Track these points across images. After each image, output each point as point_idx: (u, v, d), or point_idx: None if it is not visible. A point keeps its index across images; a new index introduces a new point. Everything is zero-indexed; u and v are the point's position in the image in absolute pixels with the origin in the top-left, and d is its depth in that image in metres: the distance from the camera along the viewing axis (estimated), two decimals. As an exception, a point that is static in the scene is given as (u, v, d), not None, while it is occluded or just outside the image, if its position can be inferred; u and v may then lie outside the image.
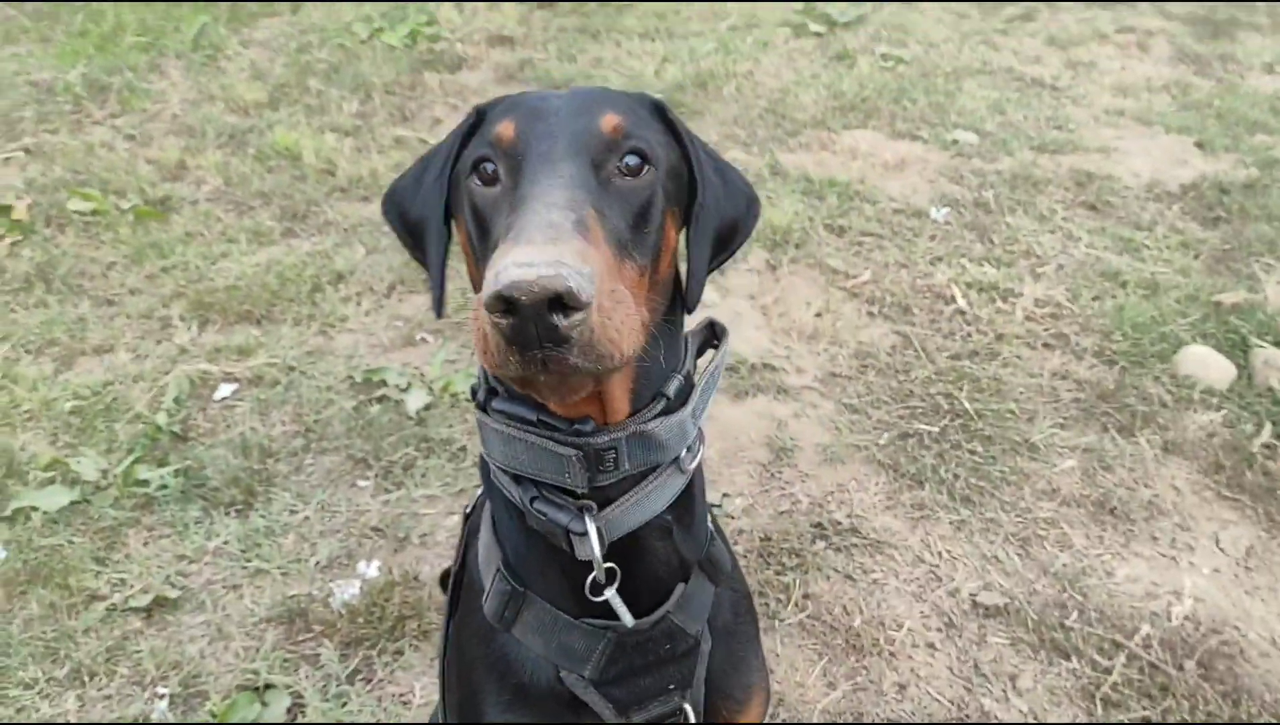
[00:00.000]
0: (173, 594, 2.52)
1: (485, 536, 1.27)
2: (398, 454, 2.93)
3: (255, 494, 2.83)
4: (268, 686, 2.28)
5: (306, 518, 2.76)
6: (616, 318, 0.89)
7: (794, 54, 6.14)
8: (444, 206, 1.20)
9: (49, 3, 7.00)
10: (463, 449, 2.95)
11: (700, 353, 1.27)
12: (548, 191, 0.98)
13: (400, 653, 2.36)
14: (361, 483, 2.87)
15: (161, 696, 2.29)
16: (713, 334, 1.28)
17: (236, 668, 2.33)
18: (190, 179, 4.63)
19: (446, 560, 2.41)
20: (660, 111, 1.21)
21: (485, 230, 1.08)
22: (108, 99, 5.38)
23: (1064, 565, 2.60)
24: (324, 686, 2.29)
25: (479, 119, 1.19)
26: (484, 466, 1.21)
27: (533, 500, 1.12)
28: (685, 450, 1.15)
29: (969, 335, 3.43)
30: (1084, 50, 6.28)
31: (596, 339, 0.87)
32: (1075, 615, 2.45)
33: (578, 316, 0.84)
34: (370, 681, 2.31)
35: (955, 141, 4.86)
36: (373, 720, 2.21)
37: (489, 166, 1.10)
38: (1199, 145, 4.97)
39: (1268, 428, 3.00)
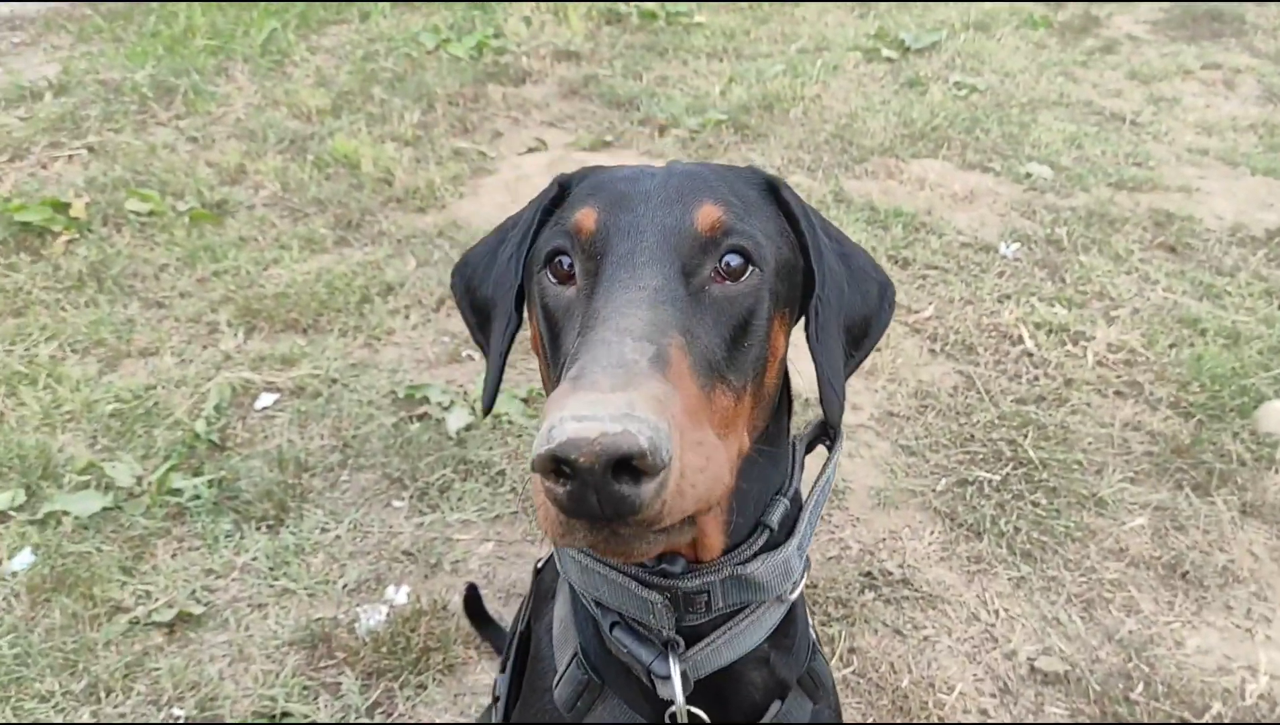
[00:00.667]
0: (197, 610, 2.46)
1: (562, 612, 1.17)
2: (435, 475, 2.85)
3: (288, 509, 2.76)
4: (284, 714, 2.20)
5: (338, 537, 2.68)
6: (700, 482, 0.76)
7: (864, 79, 6.00)
8: (517, 291, 1.07)
9: (125, 2, 7.09)
10: (501, 473, 2.86)
11: (809, 449, 1.13)
12: (624, 312, 0.84)
13: (423, 686, 2.26)
14: (396, 503, 2.79)
15: (177, 719, 2.22)
16: (823, 432, 1.13)
17: (255, 693, 2.25)
18: (248, 183, 4.62)
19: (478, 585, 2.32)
20: (773, 192, 1.06)
21: (556, 336, 0.95)
22: (173, 100, 5.40)
23: (1130, 632, 2.43)
24: (342, 718, 2.20)
25: (561, 192, 1.07)
26: None
27: (613, 626, 1.03)
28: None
29: (1036, 379, 3.26)
30: (1167, 85, 6.06)
31: (673, 505, 0.73)
32: (1141, 688, 2.28)
33: (651, 484, 0.70)
34: (390, 715, 2.22)
35: (1029, 175, 4.69)
36: (390, 757, 2.12)
37: (564, 261, 0.97)
38: (1287, 188, 4.74)
39: (1356, 494, 2.80)
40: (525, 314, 1.09)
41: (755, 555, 0.99)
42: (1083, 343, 3.42)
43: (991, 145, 5.06)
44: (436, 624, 2.39)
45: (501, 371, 1.12)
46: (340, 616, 2.45)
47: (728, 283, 0.93)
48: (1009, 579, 2.57)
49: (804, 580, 1.06)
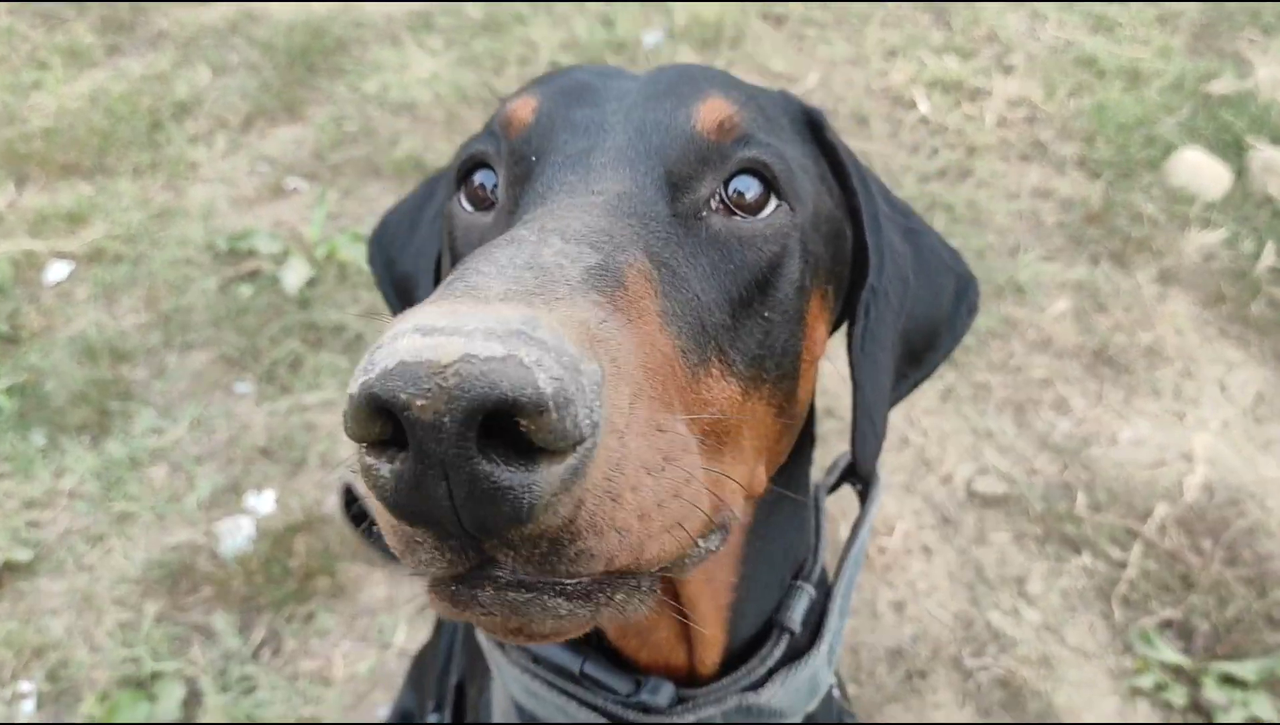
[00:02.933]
0: (23, 555, 2.08)
1: (502, 704, 0.85)
2: (280, 350, 2.43)
3: (110, 413, 2.33)
4: (154, 676, 1.88)
5: (177, 440, 2.28)
6: (649, 491, 0.43)
7: None
8: (438, 260, 0.76)
9: None
10: (358, 338, 2.47)
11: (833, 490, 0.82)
12: (555, 214, 0.51)
13: (312, 615, 1.97)
14: (240, 388, 2.39)
15: (25, 696, 1.89)
16: (851, 476, 0.83)
17: (114, 652, 1.92)
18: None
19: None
20: (814, 127, 0.74)
21: None
22: None
23: (1064, 435, 2.30)
24: (223, 668, 1.90)
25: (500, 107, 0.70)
26: None
27: None
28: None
29: (936, 150, 2.98)
30: None
31: (597, 515, 0.41)
32: (1082, 498, 2.17)
33: (553, 468, 0.39)
34: (279, 654, 1.93)
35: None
36: (287, 707, 1.84)
37: (485, 179, 0.63)
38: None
39: (1270, 247, 2.68)
40: None
41: (772, 673, 0.71)
42: (980, 100, 3.13)
43: None
44: (314, 539, 2.07)
45: None
46: (198, 539, 2.11)
47: (738, 217, 0.61)
48: (935, 391, 2.38)
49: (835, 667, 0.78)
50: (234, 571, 2.03)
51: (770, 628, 0.73)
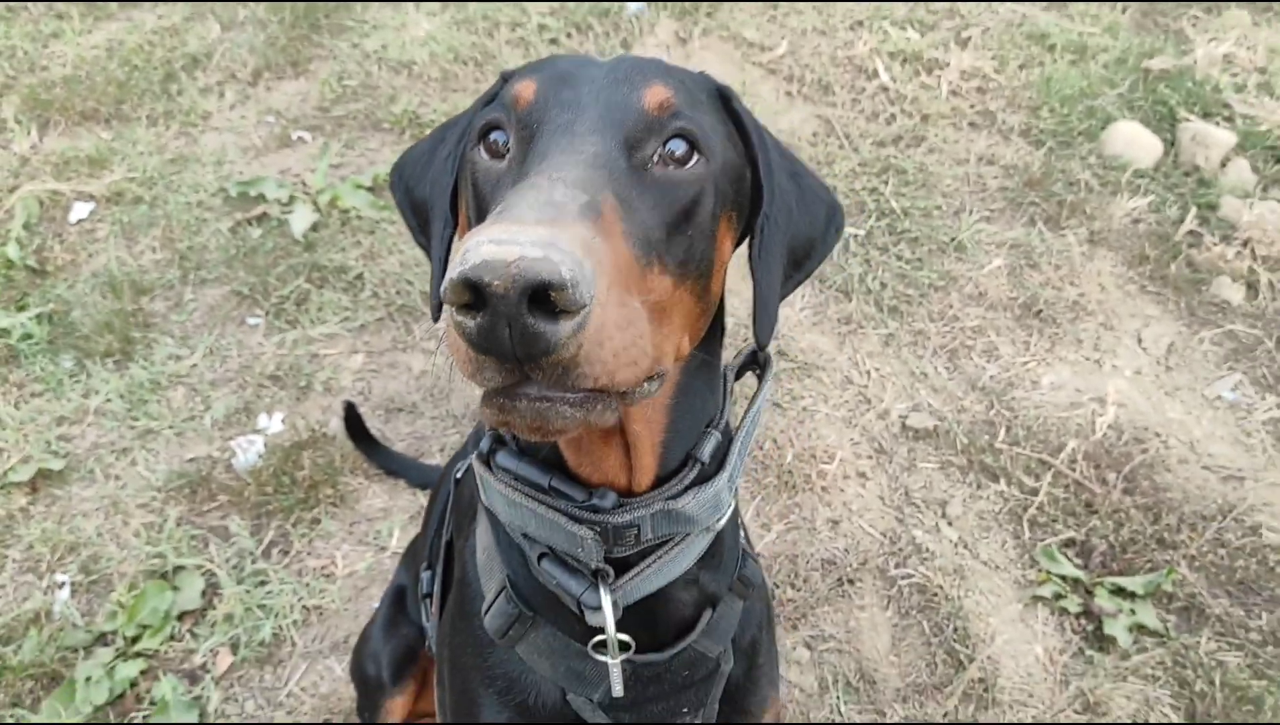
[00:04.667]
0: (56, 465, 2.33)
1: (485, 540, 1.13)
2: (287, 287, 2.68)
3: (133, 341, 2.58)
4: (177, 569, 2.15)
5: (194, 366, 2.53)
6: (619, 339, 0.70)
7: None
8: (453, 187, 1.02)
9: None
10: (359, 278, 2.71)
11: (738, 376, 1.09)
12: (558, 167, 0.78)
13: (317, 521, 2.24)
14: (251, 321, 2.64)
15: (61, 585, 2.15)
16: (754, 361, 1.09)
17: (140, 549, 2.18)
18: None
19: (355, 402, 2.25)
20: (724, 100, 0.99)
21: (483, 213, 0.88)
22: None
23: (991, 377, 2.56)
24: (237, 564, 2.16)
25: (505, 85, 0.97)
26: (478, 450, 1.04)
27: (540, 557, 1.00)
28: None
29: (893, 117, 3.22)
30: None
31: (590, 352, 0.68)
32: (1003, 433, 2.43)
33: (568, 323, 0.65)
34: (288, 554, 2.20)
35: None
36: (295, 598, 2.11)
37: (499, 137, 0.90)
38: None
39: (1192, 213, 2.93)
40: (459, 215, 1.03)
41: (686, 489, 0.97)
42: (937, 71, 3.36)
43: None
44: (319, 454, 2.33)
45: (445, 275, 1.03)
46: (215, 454, 2.36)
47: (672, 167, 0.88)
48: (878, 337, 2.64)
49: (732, 508, 1.04)
50: (247, 482, 2.29)
51: (688, 460, 0.99)
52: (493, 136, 0.90)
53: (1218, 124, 3.16)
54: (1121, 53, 3.44)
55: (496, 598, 1.09)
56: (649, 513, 0.94)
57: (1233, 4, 3.67)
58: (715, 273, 0.92)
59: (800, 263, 1.05)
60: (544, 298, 0.63)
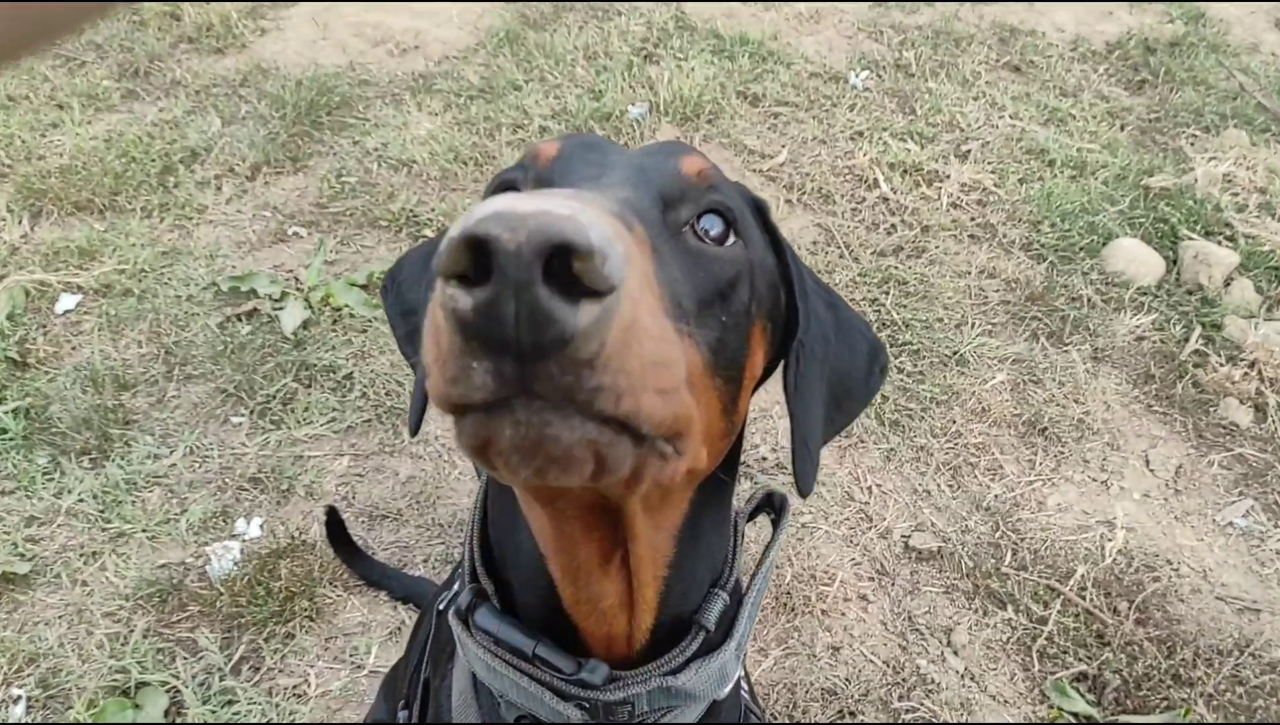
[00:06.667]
0: (22, 568, 2.22)
1: (461, 684, 1.02)
2: (274, 386, 2.61)
3: (111, 438, 2.49)
4: (140, 686, 2.03)
5: (173, 466, 2.44)
6: (649, 349, 0.55)
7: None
8: None
9: None
10: (348, 378, 2.64)
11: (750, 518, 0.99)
12: (579, 185, 0.69)
13: (291, 636, 2.12)
14: (235, 420, 2.55)
15: (17, 700, 2.02)
16: (769, 503, 0.99)
17: (103, 663, 2.06)
18: (6, 25, 3.99)
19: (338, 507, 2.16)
20: (760, 212, 0.89)
21: None
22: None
23: (996, 497, 2.48)
24: (205, 681, 2.04)
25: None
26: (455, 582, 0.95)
27: (519, 720, 0.89)
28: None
29: (894, 227, 3.20)
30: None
31: (615, 357, 0.53)
32: (1009, 557, 2.35)
33: (591, 307, 0.51)
34: (259, 671, 2.08)
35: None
36: (264, 719, 1.99)
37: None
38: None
39: (1196, 332, 2.89)
40: None
41: (688, 662, 0.87)
42: (937, 184, 3.36)
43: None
44: (297, 563, 2.23)
45: (427, 392, 0.94)
46: (188, 560, 2.26)
47: (706, 243, 0.76)
48: (879, 452, 2.57)
49: (738, 675, 0.95)
50: (220, 592, 2.18)
51: (689, 626, 0.89)
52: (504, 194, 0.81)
53: (1219, 243, 3.15)
54: (1121, 169, 3.44)
55: None
56: (645, 690, 0.85)
57: (1231, 125, 3.70)
58: (745, 383, 0.80)
59: (840, 402, 0.95)
60: (564, 271, 0.49)
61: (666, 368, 0.57)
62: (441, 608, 1.22)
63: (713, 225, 0.76)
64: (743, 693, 1.07)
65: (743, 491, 2.38)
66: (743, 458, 0.96)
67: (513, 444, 0.55)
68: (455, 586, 1.00)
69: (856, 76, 3.84)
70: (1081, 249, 3.15)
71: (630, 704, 0.85)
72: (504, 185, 0.81)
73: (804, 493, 0.89)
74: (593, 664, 0.84)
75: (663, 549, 0.84)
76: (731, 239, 0.78)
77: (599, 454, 0.56)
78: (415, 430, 0.94)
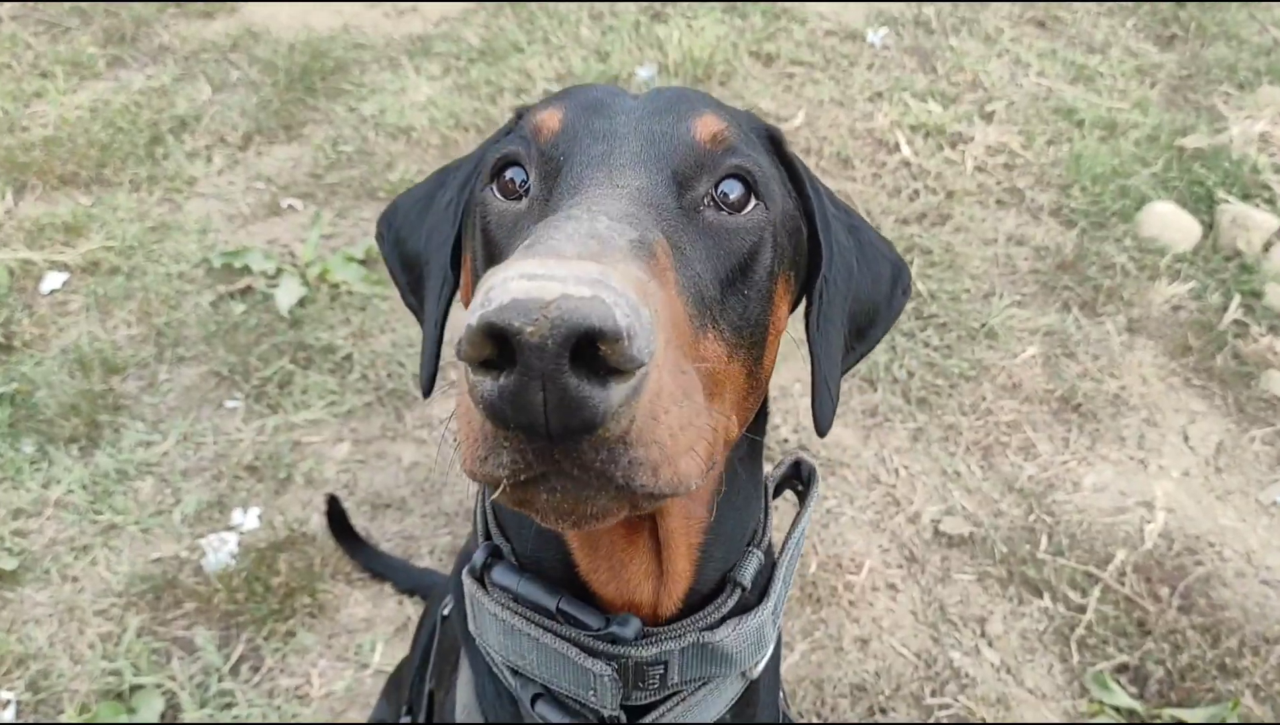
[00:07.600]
0: (9, 564, 2.12)
1: (465, 697, 0.94)
2: (270, 368, 2.49)
3: (100, 425, 2.38)
4: (134, 689, 1.93)
5: (165, 453, 2.33)
6: (675, 415, 0.54)
7: None
8: (454, 242, 0.86)
9: None
10: (347, 358, 2.52)
11: (778, 492, 0.93)
12: (596, 200, 0.64)
13: (292, 633, 2.02)
14: (230, 404, 2.44)
15: (5, 704, 1.93)
16: (797, 474, 0.93)
17: (95, 665, 1.96)
18: (-13, -11, 3.83)
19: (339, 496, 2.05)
20: (774, 143, 0.85)
21: (495, 262, 0.72)
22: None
23: (1029, 478, 2.36)
24: (202, 683, 1.94)
25: (522, 120, 0.82)
26: (461, 573, 0.86)
27: (535, 699, 0.81)
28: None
29: (917, 193, 3.06)
30: None
31: (643, 431, 0.52)
32: (1045, 542, 2.23)
33: (621, 387, 0.49)
34: (258, 671, 1.98)
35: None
36: (264, 722, 1.89)
37: (516, 174, 0.74)
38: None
39: (1236, 301, 2.76)
40: (462, 272, 0.88)
41: (724, 619, 0.80)
42: (961, 146, 3.21)
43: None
44: (297, 557, 2.12)
45: (440, 343, 0.89)
46: (183, 554, 2.15)
47: (725, 213, 0.73)
48: (906, 431, 2.44)
49: (772, 649, 0.87)
50: (216, 587, 2.07)
51: (724, 584, 0.82)
52: (509, 174, 0.75)
53: (1257, 206, 3.00)
54: (1153, 130, 3.29)
55: None
56: (679, 646, 0.77)
57: (1265, 82, 3.53)
58: (769, 342, 0.78)
59: (863, 332, 0.92)
60: (589, 353, 0.48)
61: (692, 425, 0.57)
62: (445, 612, 1.12)
63: (732, 190, 0.75)
64: (781, 702, 0.96)
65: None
66: (764, 444, 0.87)
67: (550, 506, 0.56)
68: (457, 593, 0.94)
69: (874, 34, 3.68)
70: (1113, 214, 3.00)
71: (664, 665, 0.78)
72: (505, 161, 0.76)
73: (822, 432, 0.87)
74: (624, 617, 0.77)
75: (697, 515, 0.79)
76: (752, 203, 0.75)
77: (634, 504, 0.57)
78: (429, 390, 0.91)
